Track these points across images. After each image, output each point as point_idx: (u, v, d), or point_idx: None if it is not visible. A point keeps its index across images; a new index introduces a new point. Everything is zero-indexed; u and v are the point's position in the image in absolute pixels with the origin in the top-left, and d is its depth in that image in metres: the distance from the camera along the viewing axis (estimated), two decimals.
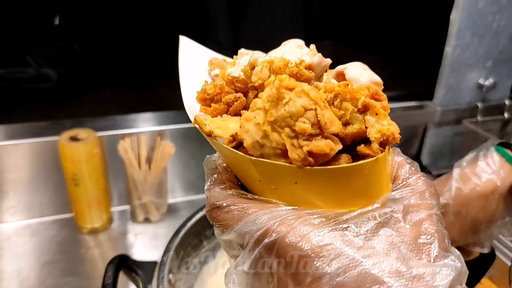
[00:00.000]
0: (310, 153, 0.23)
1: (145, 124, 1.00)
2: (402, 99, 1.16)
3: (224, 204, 0.27)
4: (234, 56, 0.34)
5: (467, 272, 0.23)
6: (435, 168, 1.18)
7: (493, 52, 1.09)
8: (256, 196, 0.27)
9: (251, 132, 0.25)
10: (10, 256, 0.85)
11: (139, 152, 0.93)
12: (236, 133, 0.26)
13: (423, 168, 1.17)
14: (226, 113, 0.30)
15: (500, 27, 1.06)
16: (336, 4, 1.59)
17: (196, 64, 0.36)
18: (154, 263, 0.59)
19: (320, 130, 0.24)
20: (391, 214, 0.24)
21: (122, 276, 0.58)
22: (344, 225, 0.24)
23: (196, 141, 1.02)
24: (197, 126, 0.28)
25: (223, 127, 0.27)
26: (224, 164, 0.31)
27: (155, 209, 0.95)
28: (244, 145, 0.25)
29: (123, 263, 0.59)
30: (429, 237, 0.24)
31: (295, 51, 0.29)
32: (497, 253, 0.86)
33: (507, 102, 1.15)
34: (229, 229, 0.27)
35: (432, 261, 0.23)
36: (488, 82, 1.10)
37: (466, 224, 0.56)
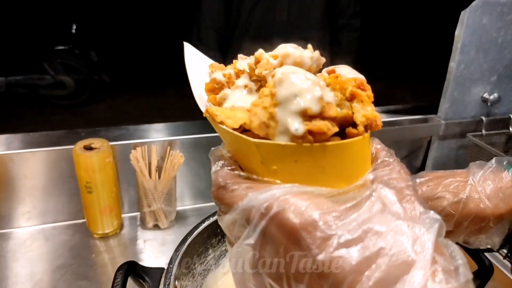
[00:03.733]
0: (310, 132, 0.27)
1: (156, 134, 1.03)
2: (407, 113, 1.18)
3: (229, 184, 0.30)
4: (234, 61, 0.37)
5: (444, 226, 0.26)
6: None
7: (498, 67, 1.11)
8: (259, 177, 0.30)
9: (259, 115, 0.28)
10: (25, 260, 0.88)
11: (150, 161, 0.96)
12: (245, 122, 0.29)
13: None
14: None
15: (505, 42, 1.08)
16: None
17: (199, 67, 0.39)
18: (161, 270, 0.62)
19: (318, 113, 0.27)
20: (377, 185, 0.28)
21: (130, 282, 0.61)
22: (342, 196, 0.27)
23: (205, 151, 1.05)
24: (208, 116, 0.31)
25: (233, 117, 0.30)
26: (229, 154, 0.34)
27: (164, 216, 0.98)
28: (251, 126, 0.28)
29: (131, 270, 0.61)
30: (410, 199, 0.28)
31: (291, 49, 0.32)
32: (498, 265, 0.87)
33: None
34: (234, 207, 0.29)
35: (418, 216, 0.27)
36: (493, 96, 1.11)
37: (463, 233, 0.56)
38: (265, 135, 0.28)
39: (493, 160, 0.57)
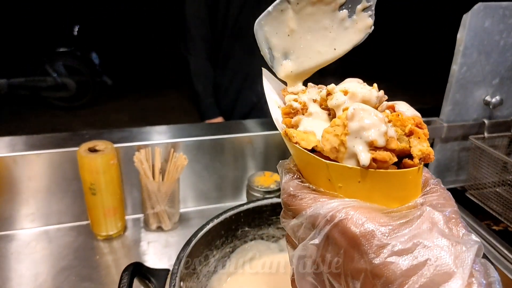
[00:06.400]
0: (374, 160, 0.32)
1: (159, 136, 1.04)
2: None
3: (299, 193, 0.35)
4: (304, 87, 0.43)
5: (483, 248, 0.30)
6: (441, 183, 1.20)
7: (500, 69, 1.11)
8: (326, 190, 0.35)
9: (331, 141, 0.34)
10: (29, 261, 0.89)
11: (153, 163, 0.96)
12: (316, 145, 0.35)
13: None
14: None
15: (507, 45, 1.08)
16: None
17: (274, 91, 0.45)
18: (166, 271, 0.62)
19: (383, 145, 0.32)
20: (427, 207, 0.32)
21: (135, 283, 0.61)
22: (396, 214, 0.32)
23: (209, 153, 1.05)
24: (285, 136, 0.37)
25: (306, 139, 0.36)
26: (296, 168, 0.39)
27: (168, 218, 0.98)
28: (324, 149, 0.34)
29: (137, 271, 0.61)
30: (455, 221, 0.32)
31: (360, 86, 0.37)
32: (498, 265, 0.87)
33: None
34: (301, 213, 0.34)
35: (461, 237, 0.31)
36: (495, 99, 1.11)
37: None
38: (335, 157, 0.34)
39: None
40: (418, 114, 0.36)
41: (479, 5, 1.01)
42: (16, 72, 4.00)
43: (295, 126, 0.39)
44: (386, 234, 0.30)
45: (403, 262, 0.28)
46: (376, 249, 0.29)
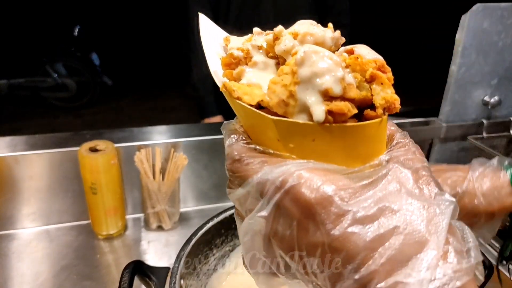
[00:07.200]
0: (329, 112, 0.27)
1: (160, 136, 1.04)
2: (409, 115, 1.19)
3: (245, 157, 0.30)
4: (250, 34, 0.37)
5: (458, 208, 0.27)
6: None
7: (498, 70, 1.11)
8: (275, 152, 0.30)
9: (278, 92, 0.28)
10: (30, 260, 0.89)
11: (153, 163, 0.97)
12: (262, 99, 0.29)
13: None
14: None
15: (505, 45, 1.09)
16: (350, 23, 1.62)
17: (213, 39, 0.39)
18: (167, 269, 0.63)
19: (340, 94, 0.27)
20: (393, 165, 0.28)
21: (136, 281, 0.61)
22: (358, 174, 0.28)
23: (208, 153, 1.06)
24: (224, 91, 0.31)
25: (250, 93, 0.30)
26: (242, 129, 0.33)
27: (168, 217, 0.99)
28: (270, 103, 0.28)
29: (137, 269, 0.62)
30: (426, 179, 0.28)
31: (312, 27, 0.32)
32: (500, 267, 0.87)
33: None
34: (248, 180, 0.29)
35: (433, 197, 0.27)
36: (494, 99, 1.12)
37: (469, 214, 0.56)
38: (284, 113, 0.28)
39: (495, 159, 0.58)
40: (381, 57, 0.30)
41: (477, 6, 1.02)
42: (17, 73, 4.00)
43: (237, 79, 0.33)
44: (346, 199, 0.25)
45: (367, 232, 0.24)
46: (334, 218, 0.25)
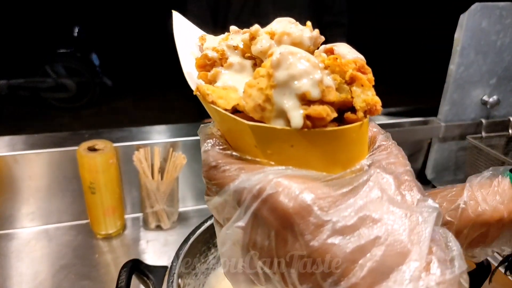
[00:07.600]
0: (308, 117, 0.25)
1: (158, 136, 1.04)
2: (408, 115, 1.19)
3: (222, 163, 0.28)
4: (227, 33, 0.35)
5: (442, 214, 0.26)
6: (439, 182, 1.20)
7: (497, 69, 1.12)
8: (253, 158, 0.28)
9: (254, 96, 0.26)
10: (28, 260, 0.89)
11: (152, 163, 0.97)
12: (238, 103, 0.28)
13: (428, 182, 1.19)
14: None
15: (504, 45, 1.09)
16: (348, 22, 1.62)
17: (188, 38, 0.37)
18: (165, 268, 0.63)
19: (318, 98, 0.26)
20: (375, 170, 0.27)
21: (134, 280, 0.61)
22: (339, 180, 0.26)
23: None
24: (198, 95, 0.29)
25: (225, 97, 0.28)
26: (219, 133, 0.32)
27: (167, 217, 0.99)
28: (246, 108, 0.27)
29: (135, 267, 0.62)
30: (409, 184, 0.27)
31: (289, 26, 0.31)
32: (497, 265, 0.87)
33: (511, 118, 1.17)
34: (224, 188, 0.27)
35: (415, 204, 0.26)
36: (492, 99, 1.12)
37: (465, 243, 0.56)
38: (260, 118, 0.27)
39: (490, 170, 0.57)
40: (361, 57, 0.29)
41: (476, 5, 1.02)
42: (16, 73, 4.00)
43: (213, 81, 0.31)
44: (326, 209, 0.24)
45: (347, 243, 0.23)
46: (313, 229, 0.24)
